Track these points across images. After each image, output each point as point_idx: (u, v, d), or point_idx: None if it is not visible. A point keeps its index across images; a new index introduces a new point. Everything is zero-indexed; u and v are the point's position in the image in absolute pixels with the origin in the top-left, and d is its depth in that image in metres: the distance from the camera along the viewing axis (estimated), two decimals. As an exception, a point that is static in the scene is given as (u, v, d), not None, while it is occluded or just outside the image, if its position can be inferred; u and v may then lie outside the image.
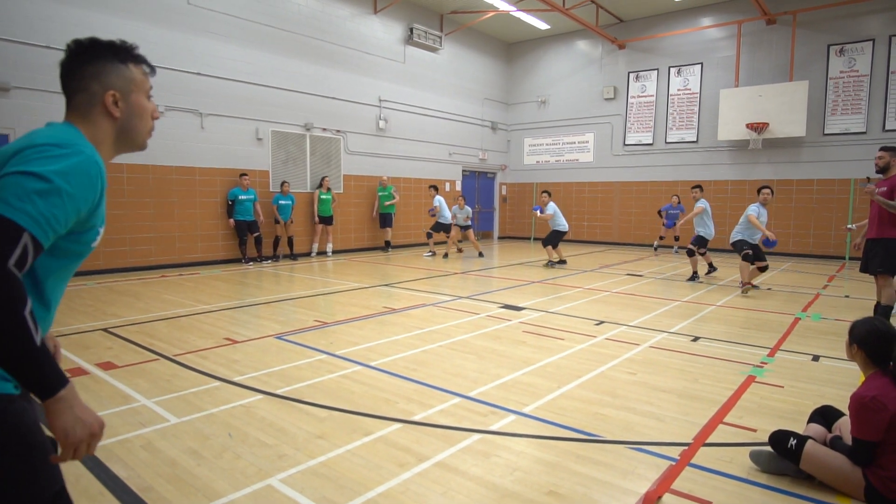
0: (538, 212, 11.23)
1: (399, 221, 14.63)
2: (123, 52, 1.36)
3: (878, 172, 5.82)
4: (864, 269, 5.98)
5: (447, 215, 12.61)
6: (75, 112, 1.32)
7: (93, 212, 1.21)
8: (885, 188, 5.64)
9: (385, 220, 13.58)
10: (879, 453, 2.45)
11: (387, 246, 13.68)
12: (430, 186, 13.26)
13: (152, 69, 1.45)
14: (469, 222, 12.88)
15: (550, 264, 11.11)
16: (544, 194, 11.23)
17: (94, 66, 1.32)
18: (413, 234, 15.27)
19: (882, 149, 5.75)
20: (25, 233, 1.04)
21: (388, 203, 13.36)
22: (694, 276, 9.28)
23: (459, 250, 13.45)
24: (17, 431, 1.12)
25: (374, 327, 5.74)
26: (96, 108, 1.32)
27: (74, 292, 7.57)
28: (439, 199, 12.63)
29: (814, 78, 12.88)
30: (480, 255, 12.87)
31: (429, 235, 12.80)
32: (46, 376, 1.05)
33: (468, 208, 12.84)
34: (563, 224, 11.06)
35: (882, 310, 5.76)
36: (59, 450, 1.12)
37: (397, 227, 14.55)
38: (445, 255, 12.61)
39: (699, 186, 9.88)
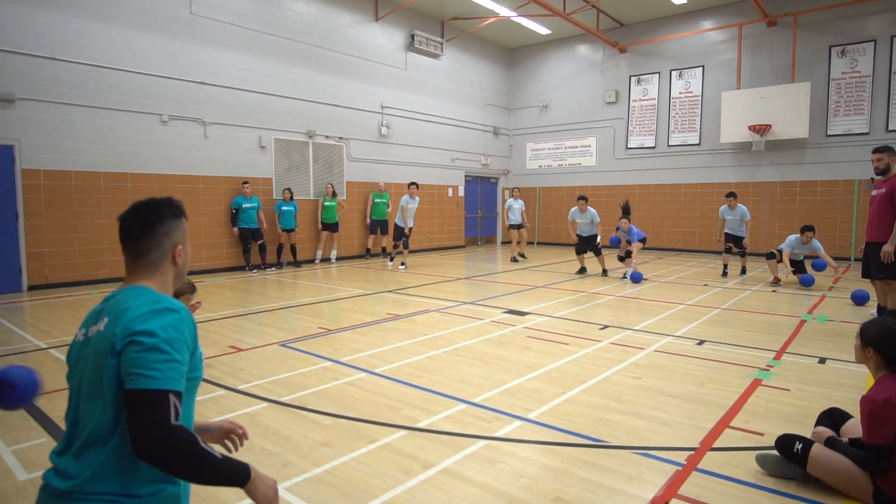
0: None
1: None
2: (178, 209, 1.58)
3: (878, 174, 5.66)
4: (865, 275, 5.83)
5: (407, 217, 11.35)
6: (146, 269, 1.50)
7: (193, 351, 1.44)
8: (885, 189, 5.55)
9: (380, 226, 13.34)
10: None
11: (383, 252, 13.65)
12: (411, 184, 11.58)
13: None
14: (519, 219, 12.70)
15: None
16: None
17: (165, 226, 1.52)
18: (416, 240, 15.25)
19: (879, 150, 5.52)
20: (170, 393, 1.28)
21: (388, 210, 13.28)
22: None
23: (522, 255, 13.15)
24: None
25: (379, 334, 5.74)
26: (166, 261, 1.53)
27: (79, 302, 7.61)
28: (406, 200, 11.42)
29: (816, 79, 12.87)
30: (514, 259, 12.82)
31: (395, 246, 11.73)
32: (236, 474, 1.33)
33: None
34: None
35: (890, 313, 5.60)
36: None
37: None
38: (514, 260, 12.68)
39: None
